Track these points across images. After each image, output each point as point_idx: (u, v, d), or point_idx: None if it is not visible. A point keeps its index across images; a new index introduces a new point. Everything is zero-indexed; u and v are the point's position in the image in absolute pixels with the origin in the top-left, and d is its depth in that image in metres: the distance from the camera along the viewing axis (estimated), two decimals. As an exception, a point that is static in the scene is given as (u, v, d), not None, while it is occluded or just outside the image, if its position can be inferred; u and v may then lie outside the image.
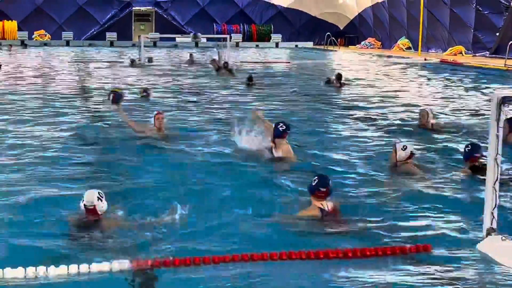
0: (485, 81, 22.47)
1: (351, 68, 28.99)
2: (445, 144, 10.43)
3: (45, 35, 46.21)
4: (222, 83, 20.27)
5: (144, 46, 30.67)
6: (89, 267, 4.94)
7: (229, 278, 4.96)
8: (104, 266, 4.96)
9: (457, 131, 11.55)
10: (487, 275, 5.13)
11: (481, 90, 19.29)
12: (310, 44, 48.57)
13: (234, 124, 9.92)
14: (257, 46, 47.14)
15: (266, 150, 8.85)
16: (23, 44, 43.26)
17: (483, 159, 7.68)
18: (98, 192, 5.93)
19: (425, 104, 15.45)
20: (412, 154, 8.19)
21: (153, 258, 5.17)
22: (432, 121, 11.66)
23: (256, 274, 5.05)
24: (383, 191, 7.49)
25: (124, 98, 13.14)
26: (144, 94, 15.83)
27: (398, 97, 17.40)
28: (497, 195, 5.47)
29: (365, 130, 11.79)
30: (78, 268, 4.92)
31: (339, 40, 46.89)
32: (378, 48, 45.25)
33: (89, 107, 14.66)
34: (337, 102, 16.27)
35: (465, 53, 35.50)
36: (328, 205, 6.35)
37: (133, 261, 5.04)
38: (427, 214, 6.61)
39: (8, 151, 9.44)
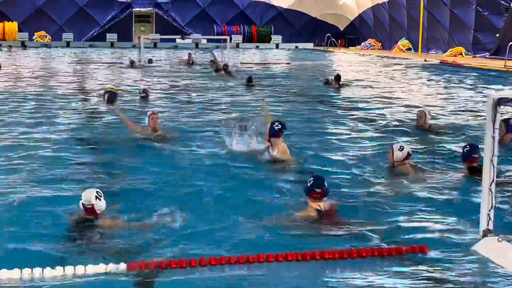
0: (485, 82, 22.47)
1: (350, 69, 28.99)
2: (442, 145, 10.42)
3: (46, 36, 46.23)
4: (221, 84, 20.26)
5: (145, 47, 30.69)
6: (85, 269, 4.93)
7: (225, 280, 4.96)
8: (100, 268, 4.95)
9: (455, 132, 11.55)
10: (483, 277, 5.13)
11: (481, 91, 19.28)
12: (310, 45, 48.57)
13: (230, 128, 9.94)
14: (257, 47, 47.16)
15: (263, 150, 8.86)
16: (23, 45, 43.25)
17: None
18: (96, 191, 5.94)
19: (424, 105, 15.46)
20: (409, 154, 8.18)
21: (149, 260, 5.16)
22: (430, 122, 11.66)
23: (252, 276, 5.05)
24: (380, 192, 7.49)
25: (119, 97, 13.13)
26: (143, 94, 15.84)
27: (397, 98, 17.40)
28: (493, 196, 5.47)
29: (363, 131, 11.78)
30: (74, 270, 4.92)
31: (339, 41, 46.90)
32: (378, 49, 45.23)
33: (88, 108, 14.67)
34: (336, 103, 16.27)
35: (465, 54, 35.51)
36: (324, 206, 6.34)
37: (129, 263, 5.04)
38: (423, 215, 6.61)
39: (5, 151, 9.43)
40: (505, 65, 26.78)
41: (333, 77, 20.09)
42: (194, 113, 13.84)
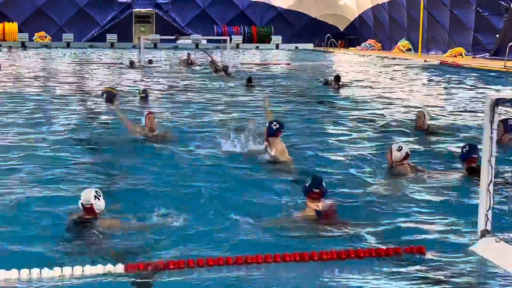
0: (485, 82, 22.47)
1: (350, 69, 28.99)
2: (441, 145, 10.44)
3: (46, 37, 46.27)
4: (221, 85, 20.27)
5: (145, 48, 30.70)
6: (82, 270, 4.93)
7: (223, 281, 4.95)
8: (98, 269, 4.95)
9: (454, 133, 11.55)
10: (481, 277, 5.14)
11: (481, 92, 19.27)
12: (310, 46, 48.59)
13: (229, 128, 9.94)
14: (257, 47, 47.17)
15: (262, 150, 8.86)
16: (23, 46, 43.26)
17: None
18: (95, 191, 5.94)
19: (424, 106, 15.46)
20: (407, 154, 8.17)
21: (147, 260, 5.16)
22: (429, 122, 11.66)
23: (250, 276, 5.04)
24: (378, 192, 7.49)
25: (119, 97, 13.11)
26: (143, 95, 15.83)
27: (396, 99, 17.40)
28: (491, 196, 5.47)
29: (362, 131, 11.77)
30: (72, 270, 4.92)
31: (339, 41, 46.91)
32: (378, 49, 45.25)
33: (87, 108, 14.67)
34: (335, 104, 16.27)
35: (465, 55, 35.52)
36: (323, 206, 6.34)
37: (127, 264, 5.04)
38: (421, 215, 6.61)
39: (4, 152, 9.43)
40: (505, 66, 26.79)
41: (332, 78, 20.11)
42: (193, 114, 13.84)
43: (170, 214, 6.29)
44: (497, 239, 5.47)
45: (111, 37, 46.70)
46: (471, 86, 21.47)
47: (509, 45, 28.33)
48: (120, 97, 13.59)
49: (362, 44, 46.83)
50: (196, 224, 6.15)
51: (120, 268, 4.97)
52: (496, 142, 5.54)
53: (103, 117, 13.06)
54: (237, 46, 46.07)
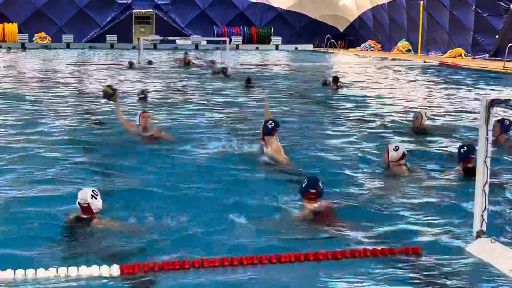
0: (484, 83, 22.49)
1: (350, 70, 29.00)
2: (438, 146, 10.45)
3: (46, 38, 46.27)
4: (220, 86, 20.27)
5: (145, 49, 30.70)
6: (78, 270, 4.94)
7: (218, 282, 4.95)
8: (93, 270, 4.95)
9: (452, 134, 11.56)
10: (476, 278, 5.14)
11: (479, 93, 19.27)
12: (310, 47, 48.59)
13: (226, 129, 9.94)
14: (257, 48, 47.18)
15: (258, 149, 8.88)
16: (23, 47, 43.26)
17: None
18: (92, 190, 5.96)
19: (422, 107, 15.48)
20: (404, 154, 8.18)
21: (142, 261, 5.17)
22: (427, 123, 11.67)
23: (246, 277, 5.05)
24: (375, 192, 7.50)
25: (118, 93, 13.07)
26: (142, 96, 15.85)
27: (395, 99, 17.42)
28: (487, 197, 5.48)
29: (359, 132, 11.77)
30: (67, 271, 4.93)
31: (339, 42, 46.91)
32: (378, 50, 45.26)
33: (84, 109, 14.68)
34: (333, 104, 16.29)
35: (465, 56, 35.53)
36: (319, 206, 6.35)
37: (122, 264, 5.04)
38: (417, 216, 6.61)
39: (1, 152, 9.45)
40: (504, 67, 26.80)
41: (331, 78, 20.13)
42: (191, 114, 13.85)
43: (166, 214, 6.29)
44: (493, 240, 5.48)
45: (111, 38, 46.70)
46: (470, 87, 21.47)
47: (508, 45, 28.35)
48: (120, 97, 13.52)
49: (362, 45, 46.85)
50: (191, 225, 6.16)
51: (115, 269, 4.97)
52: (492, 142, 5.55)
53: (100, 117, 13.06)
54: (237, 47, 46.09)
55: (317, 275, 5.11)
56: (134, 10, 48.89)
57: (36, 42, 45.55)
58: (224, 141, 10.15)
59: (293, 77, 24.98)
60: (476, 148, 7.58)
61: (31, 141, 10.38)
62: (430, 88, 21.17)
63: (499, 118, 10.27)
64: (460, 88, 20.95)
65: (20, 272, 4.87)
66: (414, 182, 7.87)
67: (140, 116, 10.40)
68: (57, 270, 4.92)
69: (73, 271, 4.92)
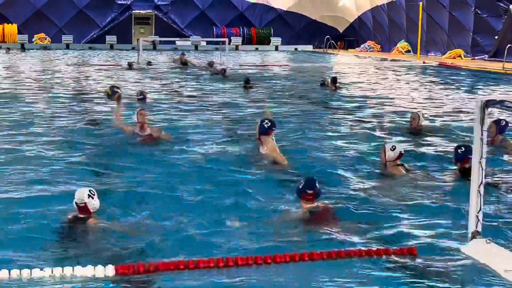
0: (483, 84, 22.50)
1: (349, 71, 29.01)
2: (434, 146, 10.46)
3: (45, 39, 46.29)
4: (219, 87, 20.28)
5: (144, 49, 30.71)
6: (73, 271, 4.94)
7: (213, 283, 4.95)
8: (88, 270, 4.96)
9: (449, 134, 11.57)
10: (472, 278, 5.13)
11: (478, 93, 19.28)
12: (309, 47, 48.62)
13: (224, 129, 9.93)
14: (256, 49, 47.19)
15: (254, 149, 8.90)
16: (23, 48, 43.29)
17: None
18: (89, 190, 5.97)
19: (420, 107, 15.48)
20: (401, 154, 8.19)
21: (137, 262, 5.17)
22: (424, 124, 11.67)
23: (242, 278, 5.04)
24: (371, 193, 7.49)
25: (122, 96, 13.08)
26: (141, 97, 15.84)
27: (393, 100, 17.43)
28: (482, 198, 5.49)
29: (356, 132, 11.79)
30: (62, 271, 4.93)
31: (338, 43, 46.93)
32: (378, 51, 45.28)
33: (82, 109, 14.69)
34: (331, 105, 16.31)
35: (464, 56, 35.54)
36: (316, 207, 6.36)
37: (118, 265, 5.05)
38: (413, 216, 6.61)
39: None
40: (503, 67, 26.83)
41: (329, 79, 20.16)
42: (190, 115, 13.85)
43: (162, 215, 6.30)
44: (488, 241, 5.49)
45: (111, 39, 46.73)
46: (469, 87, 21.48)
47: (507, 46, 28.37)
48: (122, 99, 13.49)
49: (362, 46, 46.87)
50: (187, 225, 6.17)
51: (110, 269, 4.98)
52: (489, 143, 5.56)
53: (98, 118, 13.08)
54: (237, 47, 46.10)
55: (311, 276, 5.12)
56: (133, 11, 48.91)
57: (36, 43, 45.56)
58: (221, 141, 10.17)
59: (292, 77, 25.01)
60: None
61: (28, 141, 10.39)
62: (429, 88, 21.18)
63: (495, 118, 10.28)
64: (459, 89, 20.97)
65: (15, 272, 4.87)
66: (411, 182, 7.88)
67: (137, 113, 10.41)
68: (52, 270, 4.92)
69: (68, 271, 4.93)
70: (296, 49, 47.76)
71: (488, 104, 5.33)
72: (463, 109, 15.63)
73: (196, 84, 21.23)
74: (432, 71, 28.71)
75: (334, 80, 19.73)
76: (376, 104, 16.36)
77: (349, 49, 47.59)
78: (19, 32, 45.77)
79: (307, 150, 10.01)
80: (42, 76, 23.68)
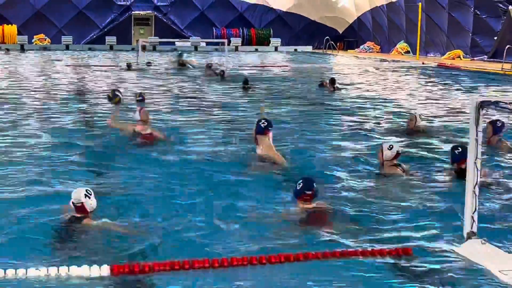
0: (482, 85, 22.51)
1: (348, 72, 29.03)
2: (432, 147, 10.47)
3: (45, 39, 46.29)
4: (218, 88, 20.30)
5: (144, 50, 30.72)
6: (68, 270, 4.95)
7: (208, 284, 4.96)
8: (84, 270, 4.96)
9: (447, 135, 11.58)
10: (467, 279, 5.14)
11: (473, 94, 19.30)
12: (309, 48, 48.65)
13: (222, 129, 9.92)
14: (256, 50, 47.20)
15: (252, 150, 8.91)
16: (22, 48, 43.29)
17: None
18: (86, 190, 5.98)
19: (418, 108, 15.51)
20: (398, 153, 8.21)
21: (132, 262, 5.18)
22: (421, 125, 11.68)
23: (237, 278, 5.05)
24: (368, 193, 7.51)
25: (121, 100, 13.10)
26: (139, 98, 15.84)
27: (391, 101, 17.43)
28: (477, 198, 5.50)
29: (353, 133, 11.81)
30: (58, 270, 4.94)
31: (338, 44, 46.92)
32: (377, 52, 45.30)
33: (80, 110, 14.71)
34: (328, 105, 16.33)
35: (464, 57, 35.56)
36: (314, 207, 6.37)
37: (113, 265, 5.06)
38: (408, 217, 6.62)
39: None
40: (502, 68, 26.84)
41: (328, 80, 20.19)
42: (189, 116, 13.86)
43: (159, 215, 6.30)
44: (483, 241, 5.50)
45: (110, 40, 46.72)
46: (468, 88, 21.49)
47: (506, 47, 28.38)
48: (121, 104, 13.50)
49: (361, 47, 46.89)
50: (183, 226, 6.17)
51: (106, 269, 4.99)
52: (484, 143, 5.57)
53: (96, 118, 13.09)
54: (236, 48, 46.11)
55: (306, 276, 5.12)
56: (133, 12, 48.91)
57: (36, 44, 45.56)
58: (219, 142, 10.17)
59: (291, 78, 25.02)
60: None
61: (26, 141, 10.41)
62: (427, 89, 21.19)
63: (491, 119, 10.30)
64: (458, 90, 20.98)
65: (10, 272, 4.88)
66: (407, 183, 7.89)
67: (140, 111, 10.42)
68: (47, 270, 4.93)
69: (63, 271, 4.94)
70: (295, 50, 47.77)
71: (483, 104, 5.34)
72: (462, 110, 15.63)
73: (194, 85, 21.24)
74: (431, 72, 28.72)
75: (332, 81, 19.77)
76: (374, 104, 16.36)
77: (348, 50, 47.58)
78: (19, 33, 45.76)
79: (305, 150, 10.02)
80: (41, 77, 23.68)
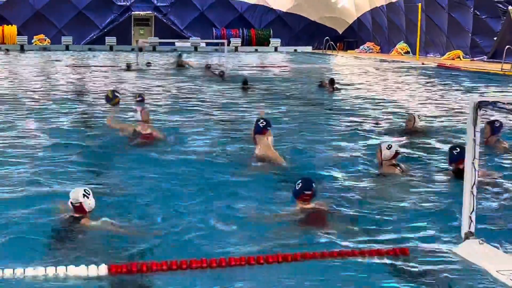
0: (482, 85, 22.52)
1: (348, 72, 29.03)
2: (430, 147, 10.47)
3: (45, 40, 46.29)
4: (217, 88, 20.31)
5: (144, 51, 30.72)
6: (66, 270, 4.96)
7: (206, 283, 4.96)
8: (81, 269, 4.97)
9: (445, 136, 11.58)
10: (464, 279, 5.14)
11: (472, 94, 19.30)
12: (309, 49, 48.65)
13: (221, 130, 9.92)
14: (256, 50, 47.20)
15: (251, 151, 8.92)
16: (22, 49, 43.30)
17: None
18: (84, 190, 5.99)
19: (418, 108, 15.51)
20: (397, 153, 8.22)
21: (130, 262, 5.18)
22: (419, 125, 11.69)
23: (234, 278, 5.06)
24: (367, 193, 7.52)
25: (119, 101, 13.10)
26: (139, 99, 15.85)
27: (391, 101, 17.43)
28: (475, 199, 5.50)
29: (352, 133, 11.80)
30: (56, 270, 4.94)
31: (338, 44, 46.92)
32: (377, 52, 45.31)
33: (78, 110, 14.71)
34: (327, 106, 16.34)
35: (463, 58, 35.56)
36: (313, 207, 6.37)
37: (111, 264, 5.06)
38: (407, 217, 6.63)
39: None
40: (502, 69, 26.85)
41: (327, 80, 20.20)
42: (188, 116, 13.87)
43: (157, 215, 6.31)
44: (481, 241, 5.50)
45: (110, 40, 46.70)
46: (467, 88, 21.50)
47: (506, 47, 28.38)
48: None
49: (361, 47, 46.90)
50: (182, 225, 6.18)
51: (103, 268, 4.99)
52: (483, 143, 5.58)
53: (94, 118, 13.09)
54: (236, 49, 46.11)
55: (304, 276, 5.12)
56: (133, 12, 48.90)
57: (35, 44, 45.56)
58: (219, 142, 10.16)
59: (291, 78, 25.03)
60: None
61: (24, 141, 10.41)
62: (427, 90, 21.20)
63: (489, 119, 10.30)
64: (458, 90, 20.98)
65: (8, 271, 4.89)
66: (405, 183, 7.90)
67: (141, 112, 10.43)
68: (45, 270, 4.94)
69: (61, 271, 4.94)
70: (295, 50, 47.77)
71: (480, 105, 5.35)
72: (461, 110, 15.63)
73: (194, 86, 21.23)
74: (431, 72, 28.72)
75: (332, 81, 19.78)
76: (373, 105, 16.37)
77: (348, 50, 47.58)
78: (19, 34, 45.76)
79: (304, 150, 10.03)
80: (41, 77, 23.69)
